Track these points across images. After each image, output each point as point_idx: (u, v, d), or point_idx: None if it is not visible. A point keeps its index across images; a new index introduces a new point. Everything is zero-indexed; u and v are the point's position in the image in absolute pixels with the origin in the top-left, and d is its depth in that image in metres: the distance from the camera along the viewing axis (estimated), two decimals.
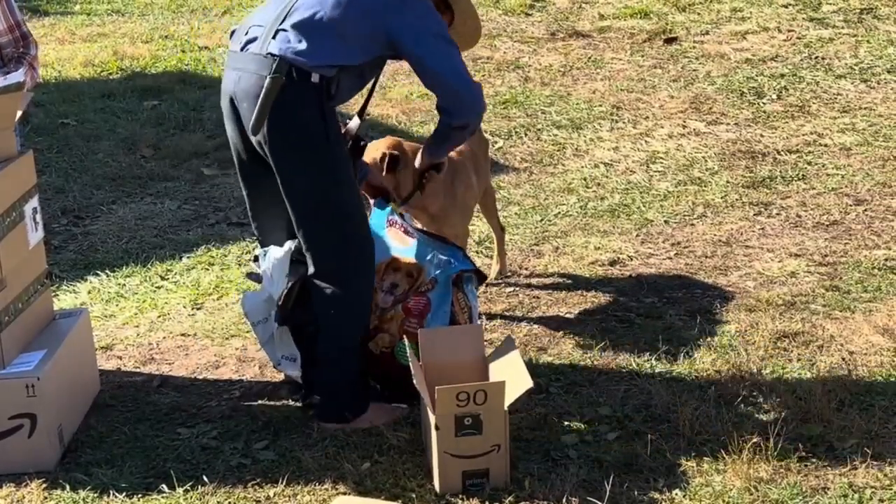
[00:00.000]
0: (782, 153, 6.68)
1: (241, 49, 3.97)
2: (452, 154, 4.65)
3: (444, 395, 3.59)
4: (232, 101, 3.99)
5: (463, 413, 3.62)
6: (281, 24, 3.88)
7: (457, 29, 4.23)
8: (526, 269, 5.34)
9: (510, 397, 3.65)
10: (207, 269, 5.49)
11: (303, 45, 3.83)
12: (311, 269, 4.02)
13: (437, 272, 4.20)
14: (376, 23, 3.90)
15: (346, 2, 3.85)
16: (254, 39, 3.94)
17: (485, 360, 4.02)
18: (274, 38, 3.87)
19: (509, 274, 5.25)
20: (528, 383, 3.67)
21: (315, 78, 3.85)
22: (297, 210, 3.97)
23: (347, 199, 3.99)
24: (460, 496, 3.66)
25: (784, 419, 3.97)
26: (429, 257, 4.22)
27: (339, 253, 4.00)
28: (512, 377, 3.73)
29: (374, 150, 4.45)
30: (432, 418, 3.64)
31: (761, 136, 6.97)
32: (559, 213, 5.98)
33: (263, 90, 3.82)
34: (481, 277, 4.36)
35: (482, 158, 4.98)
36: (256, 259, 4.27)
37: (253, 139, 3.94)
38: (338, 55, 3.87)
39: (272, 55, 3.85)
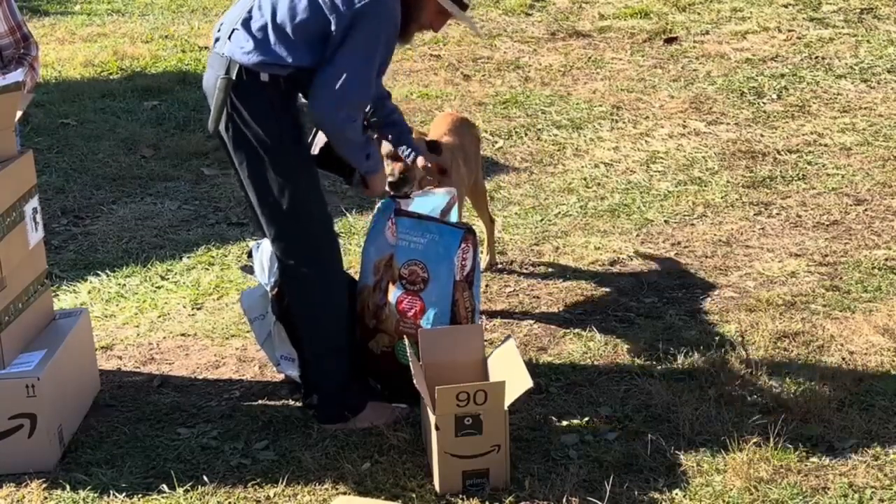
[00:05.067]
0: (782, 153, 6.68)
1: (213, 46, 4.02)
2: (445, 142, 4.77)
3: (444, 395, 3.59)
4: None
5: (463, 413, 3.62)
6: (237, 23, 3.91)
7: None
8: (526, 269, 5.34)
9: (510, 397, 3.65)
10: (207, 269, 5.48)
11: (249, 45, 3.85)
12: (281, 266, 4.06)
13: (416, 257, 4.11)
14: (328, 29, 3.81)
15: (301, 7, 3.82)
16: (220, 38, 3.98)
17: (485, 360, 4.02)
18: (230, 38, 3.90)
19: (505, 272, 5.26)
20: (528, 383, 3.67)
21: (264, 77, 3.87)
22: (259, 207, 4.00)
23: (305, 197, 3.98)
24: (460, 496, 3.66)
25: (784, 419, 3.96)
26: (403, 243, 4.16)
27: (300, 251, 4.01)
28: (512, 377, 3.72)
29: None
30: (432, 418, 3.64)
31: (761, 136, 6.97)
32: (559, 213, 5.97)
33: (216, 89, 3.88)
34: (470, 232, 4.22)
35: (471, 149, 5.06)
36: (251, 254, 4.28)
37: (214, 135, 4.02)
38: (288, 56, 3.84)
39: (224, 55, 3.89)
